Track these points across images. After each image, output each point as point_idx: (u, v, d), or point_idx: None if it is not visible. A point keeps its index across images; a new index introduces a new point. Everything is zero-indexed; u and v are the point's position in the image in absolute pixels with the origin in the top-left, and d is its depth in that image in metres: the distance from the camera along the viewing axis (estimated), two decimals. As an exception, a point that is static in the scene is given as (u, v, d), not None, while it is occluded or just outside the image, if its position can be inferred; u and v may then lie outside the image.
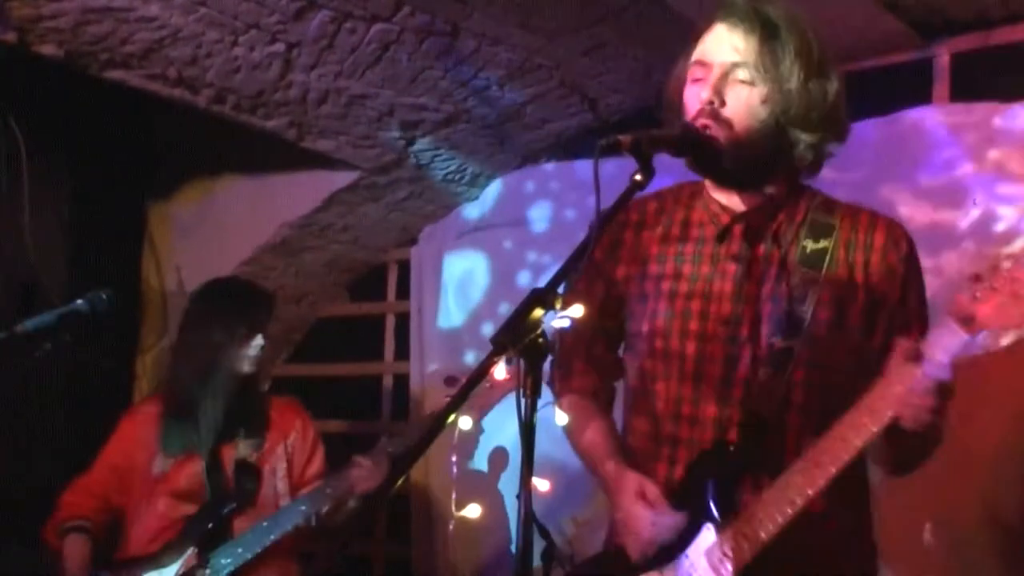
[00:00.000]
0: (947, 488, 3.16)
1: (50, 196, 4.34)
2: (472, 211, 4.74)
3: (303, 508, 3.32)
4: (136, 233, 4.86)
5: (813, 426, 2.00)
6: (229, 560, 3.28)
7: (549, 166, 4.53)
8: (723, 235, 2.11)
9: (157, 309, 4.81)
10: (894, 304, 2.06)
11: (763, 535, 1.90)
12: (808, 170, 2.13)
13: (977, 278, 1.80)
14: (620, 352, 2.26)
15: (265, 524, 3.31)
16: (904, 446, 1.96)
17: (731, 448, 2.00)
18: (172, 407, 3.45)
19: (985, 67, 3.58)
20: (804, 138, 2.05)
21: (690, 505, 1.99)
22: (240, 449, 3.44)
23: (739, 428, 2.01)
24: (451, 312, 4.66)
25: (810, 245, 2.07)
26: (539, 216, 4.52)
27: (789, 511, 1.88)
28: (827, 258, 2.06)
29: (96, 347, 4.15)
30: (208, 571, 3.27)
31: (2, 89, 3.96)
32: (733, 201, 2.12)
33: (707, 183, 2.16)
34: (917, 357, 1.82)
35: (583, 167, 4.37)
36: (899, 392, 1.83)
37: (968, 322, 1.79)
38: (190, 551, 3.31)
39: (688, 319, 2.08)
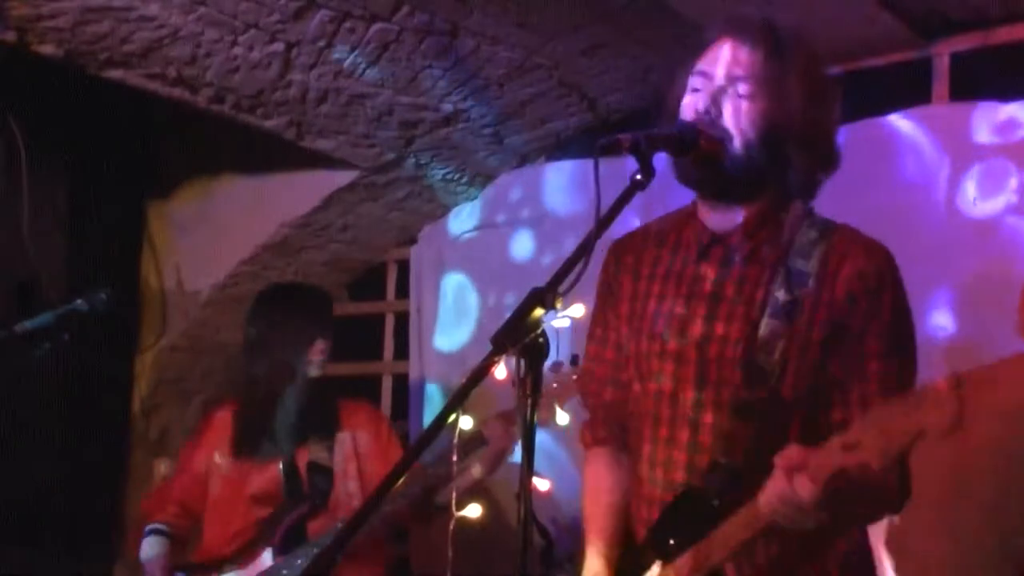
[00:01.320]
0: (950, 496, 3.16)
1: (49, 195, 4.34)
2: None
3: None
4: (135, 232, 4.85)
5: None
6: (301, 561, 3.29)
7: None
8: (702, 255, 2.09)
9: (156, 308, 4.81)
10: (859, 337, 2.01)
11: (715, 559, 1.94)
12: (799, 194, 2.10)
13: (882, 402, 1.78)
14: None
15: (340, 525, 3.31)
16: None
17: (701, 497, 2.00)
18: (247, 412, 3.46)
19: (985, 66, 3.58)
20: (799, 160, 2.03)
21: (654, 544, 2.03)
22: (312, 451, 3.48)
23: (706, 476, 2.01)
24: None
25: (784, 293, 2.01)
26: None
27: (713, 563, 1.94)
28: (799, 304, 2.01)
29: (95, 346, 4.14)
30: (285, 572, 3.28)
31: (1, 88, 3.96)
32: (716, 220, 2.10)
33: (697, 200, 2.14)
34: (796, 469, 1.79)
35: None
36: (771, 504, 1.83)
37: (850, 448, 1.72)
38: (266, 553, 3.33)
39: (667, 341, 2.08)
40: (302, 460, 3.46)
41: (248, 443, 3.45)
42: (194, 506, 3.51)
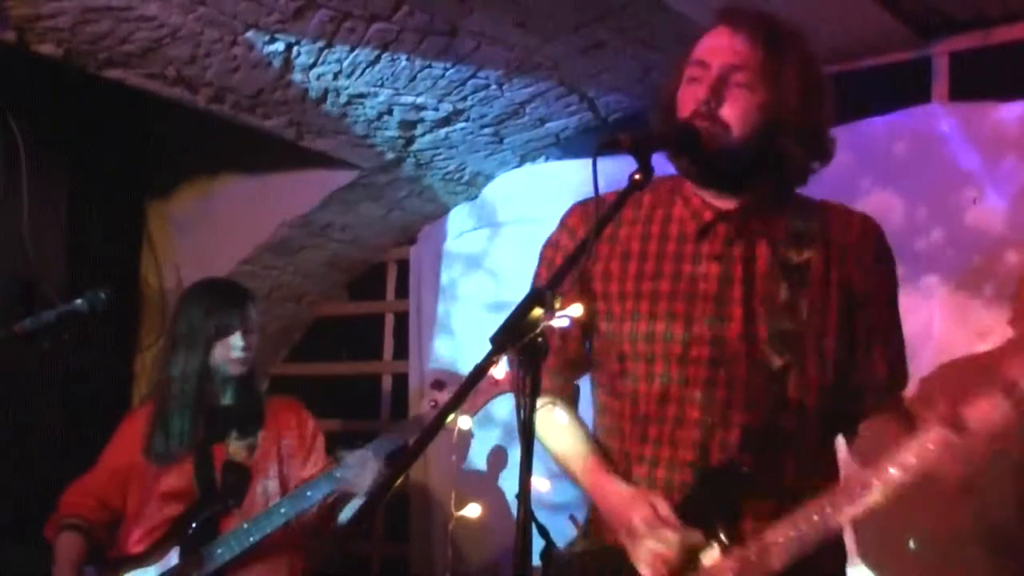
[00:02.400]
0: (935, 488, 3.15)
1: (49, 195, 4.34)
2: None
3: (283, 510, 3.29)
4: (135, 232, 4.86)
5: (807, 448, 2.04)
6: (206, 560, 3.27)
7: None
8: (704, 232, 2.09)
9: (156, 308, 4.81)
10: (869, 301, 2.08)
11: (774, 566, 1.91)
12: (793, 182, 2.12)
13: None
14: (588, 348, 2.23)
15: (245, 526, 3.28)
16: None
17: (739, 469, 1.99)
18: (161, 409, 3.46)
19: (984, 66, 3.59)
20: (794, 151, 2.04)
21: (695, 524, 1.98)
22: (231, 449, 3.43)
23: (741, 450, 2.00)
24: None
25: (794, 256, 2.05)
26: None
27: (797, 551, 1.90)
28: (810, 270, 2.05)
29: (95, 346, 4.15)
30: (190, 572, 3.26)
31: (1, 88, 3.96)
32: (715, 199, 2.10)
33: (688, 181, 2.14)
34: (955, 424, 1.83)
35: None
36: (925, 464, 1.85)
37: (1010, 390, 1.79)
38: (173, 552, 3.30)
39: (673, 320, 2.06)
40: (219, 457, 3.40)
41: (161, 440, 3.39)
42: (112, 502, 3.44)
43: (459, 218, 4.74)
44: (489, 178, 4.63)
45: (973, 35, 3.58)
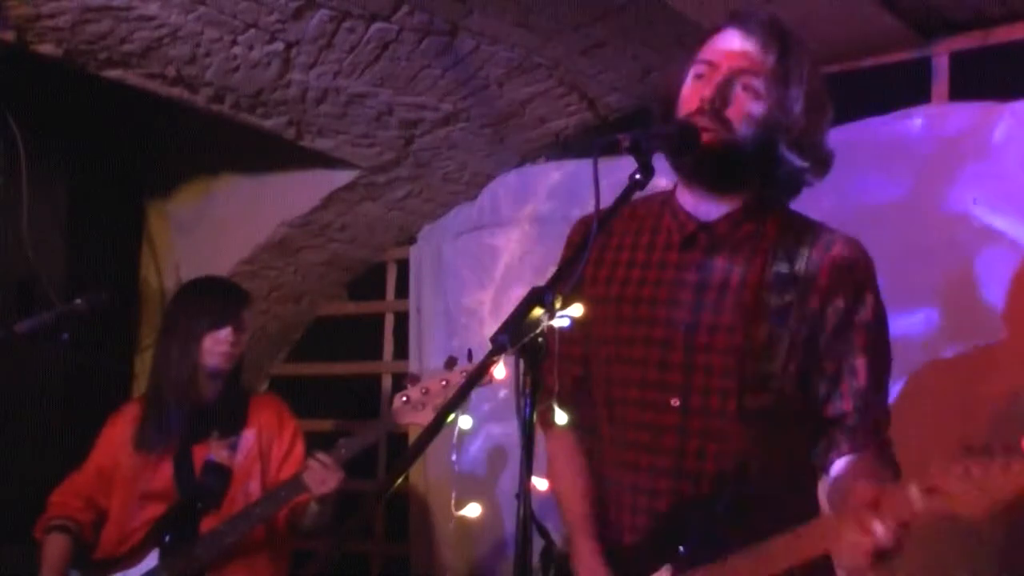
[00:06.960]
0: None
1: (48, 195, 4.34)
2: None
3: (257, 511, 3.29)
4: (135, 232, 4.86)
5: (772, 484, 2.02)
6: (189, 563, 3.26)
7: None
8: (687, 243, 2.09)
9: (155, 308, 4.81)
10: (835, 330, 2.03)
11: None
12: (785, 192, 2.12)
13: (965, 452, 1.67)
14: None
15: (222, 527, 3.28)
16: None
17: (712, 503, 1.99)
18: (147, 406, 3.45)
19: (985, 66, 3.58)
20: (792, 161, 2.04)
21: (657, 547, 2.00)
22: (212, 449, 3.42)
23: (712, 482, 2.00)
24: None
25: (774, 300, 2.03)
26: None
27: None
28: (790, 313, 2.02)
29: (94, 346, 4.14)
30: (172, 573, 3.25)
31: (1, 88, 3.96)
32: (701, 209, 2.10)
33: (678, 187, 2.15)
34: (871, 510, 1.73)
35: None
36: (837, 549, 1.79)
37: (931, 493, 1.68)
38: (152, 554, 3.29)
39: (653, 326, 2.07)
40: (200, 457, 3.40)
41: (145, 438, 3.39)
42: (99, 501, 3.45)
43: (459, 218, 4.74)
44: (489, 178, 4.63)
45: (973, 35, 3.57)
